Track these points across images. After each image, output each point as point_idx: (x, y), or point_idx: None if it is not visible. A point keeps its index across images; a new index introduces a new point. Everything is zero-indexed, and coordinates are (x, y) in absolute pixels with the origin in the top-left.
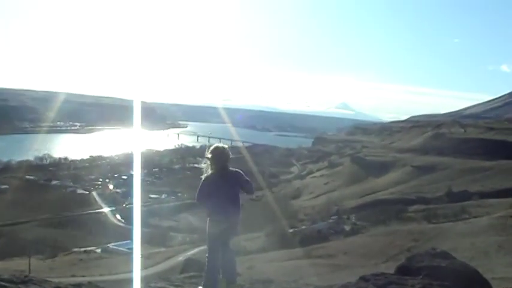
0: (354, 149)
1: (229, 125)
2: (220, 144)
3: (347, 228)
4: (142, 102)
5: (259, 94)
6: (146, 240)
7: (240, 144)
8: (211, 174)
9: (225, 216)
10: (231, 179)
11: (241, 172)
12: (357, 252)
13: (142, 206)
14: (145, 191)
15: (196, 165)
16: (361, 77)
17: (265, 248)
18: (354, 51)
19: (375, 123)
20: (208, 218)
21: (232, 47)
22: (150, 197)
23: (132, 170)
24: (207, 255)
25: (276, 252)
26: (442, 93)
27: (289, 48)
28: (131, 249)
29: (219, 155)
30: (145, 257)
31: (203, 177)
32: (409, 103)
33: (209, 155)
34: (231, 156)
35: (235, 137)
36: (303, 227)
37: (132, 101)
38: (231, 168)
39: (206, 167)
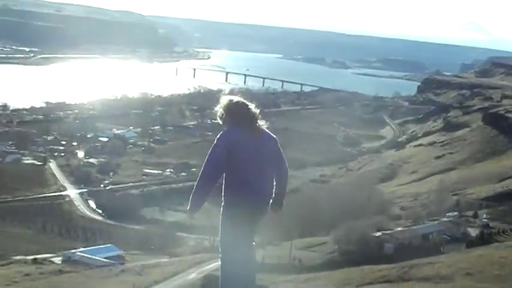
0: (488, 100)
1: (279, 55)
2: (238, 98)
3: (473, 232)
4: (135, 15)
5: (329, 10)
6: (138, 244)
7: (295, 87)
8: (239, 129)
9: (263, 197)
10: (270, 144)
11: (277, 140)
12: (489, 273)
13: (131, 186)
14: (137, 162)
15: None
16: None
17: (333, 262)
18: None
19: None
20: (226, 202)
21: None
22: (146, 173)
23: (116, 127)
24: (220, 262)
25: (351, 270)
26: None
27: None
28: (112, 259)
29: (242, 111)
30: (136, 273)
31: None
32: None
33: (222, 110)
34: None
35: (289, 75)
36: (399, 229)
37: (116, 12)
38: (264, 129)
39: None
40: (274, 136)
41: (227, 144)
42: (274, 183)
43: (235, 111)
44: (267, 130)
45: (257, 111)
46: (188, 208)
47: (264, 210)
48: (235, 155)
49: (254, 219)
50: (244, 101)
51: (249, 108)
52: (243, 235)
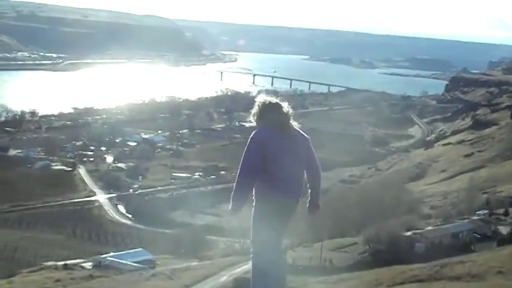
0: None
1: (305, 57)
2: (272, 98)
3: (504, 230)
4: (161, 19)
5: (354, 10)
6: (168, 248)
7: (323, 88)
8: (271, 128)
9: (293, 194)
10: (301, 143)
11: (309, 139)
12: None
13: (160, 190)
14: (166, 166)
15: (252, 125)
16: None
17: (364, 263)
18: None
19: None
20: (257, 199)
21: None
22: (175, 177)
23: (144, 131)
24: (252, 261)
25: (382, 271)
26: None
27: None
28: (143, 263)
29: (274, 110)
30: (167, 277)
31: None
32: None
33: (255, 110)
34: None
35: (316, 76)
36: (429, 228)
37: (142, 16)
38: (296, 128)
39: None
40: (307, 136)
41: (259, 143)
42: (308, 184)
43: (267, 111)
44: (299, 130)
45: (289, 110)
46: (230, 208)
47: (294, 208)
48: (265, 153)
49: (284, 216)
50: (277, 101)
51: (281, 108)
52: (273, 233)
